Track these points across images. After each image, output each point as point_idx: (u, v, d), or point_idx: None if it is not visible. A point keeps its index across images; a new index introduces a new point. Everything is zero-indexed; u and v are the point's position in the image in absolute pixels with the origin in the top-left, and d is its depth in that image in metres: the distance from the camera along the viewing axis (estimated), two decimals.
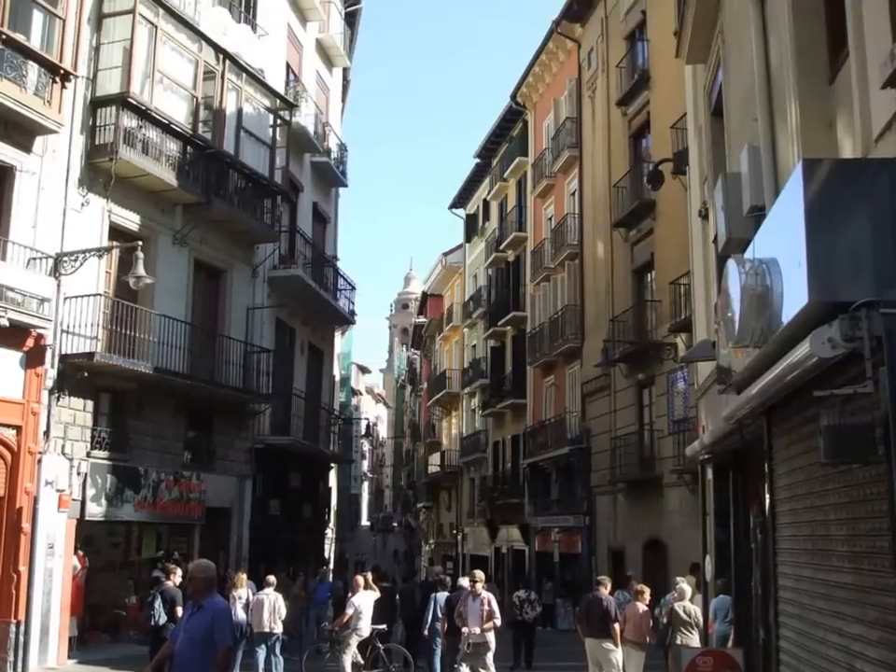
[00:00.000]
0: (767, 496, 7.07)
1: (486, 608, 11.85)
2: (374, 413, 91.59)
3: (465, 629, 11.83)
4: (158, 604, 12.11)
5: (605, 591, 12.14)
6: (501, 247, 34.57)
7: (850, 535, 5.04)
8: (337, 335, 29.90)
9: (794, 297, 4.83)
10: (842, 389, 4.46)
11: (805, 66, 6.13)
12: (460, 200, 43.00)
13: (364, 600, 13.25)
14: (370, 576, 14.78)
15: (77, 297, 14.81)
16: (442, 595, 13.56)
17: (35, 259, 14.24)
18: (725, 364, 7.57)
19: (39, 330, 14.07)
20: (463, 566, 36.68)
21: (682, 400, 18.76)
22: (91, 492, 15.14)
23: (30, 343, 14.00)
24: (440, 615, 13.18)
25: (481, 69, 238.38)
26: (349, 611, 13.06)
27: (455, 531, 41.23)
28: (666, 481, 19.69)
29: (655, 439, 20.75)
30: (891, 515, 4.22)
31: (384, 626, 13.98)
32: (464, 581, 13.38)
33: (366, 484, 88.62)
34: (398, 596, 16.62)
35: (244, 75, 19.05)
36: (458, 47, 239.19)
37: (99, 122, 15.75)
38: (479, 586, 12.11)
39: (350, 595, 13.86)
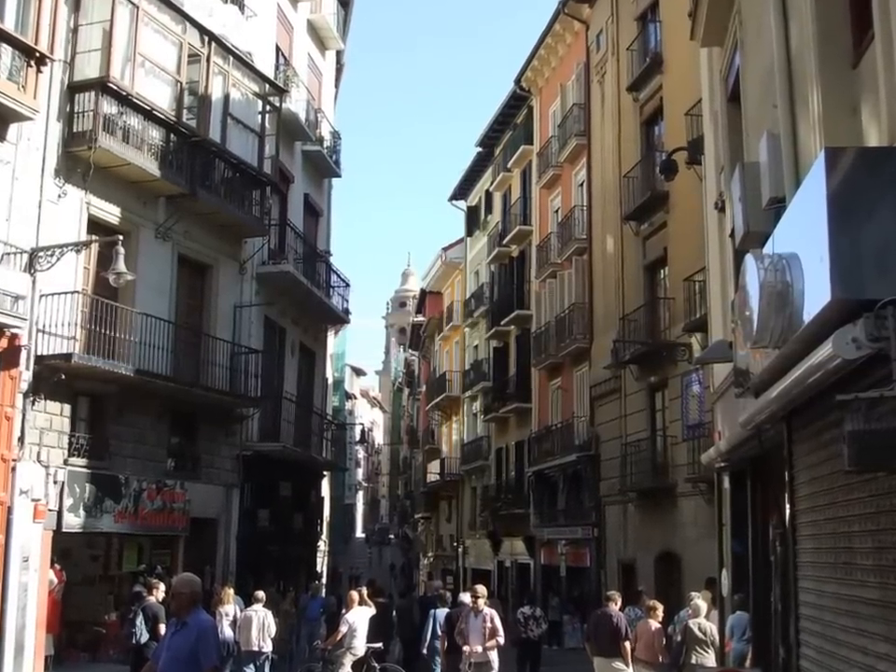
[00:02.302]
0: (787, 506, 7.08)
1: (489, 625, 11.88)
2: (370, 418, 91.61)
3: (466, 647, 11.84)
4: (139, 621, 12.12)
5: (615, 607, 12.16)
6: (504, 242, 34.57)
7: (876, 547, 5.04)
8: (330, 335, 29.90)
9: (816, 294, 4.83)
10: (867, 393, 4.46)
11: (827, 49, 6.13)
12: (461, 191, 43.01)
13: (359, 617, 13.26)
14: (365, 591, 14.82)
15: (53, 294, 14.80)
16: (442, 612, 13.58)
17: (8, 253, 14.22)
18: (743, 366, 7.57)
19: (13, 330, 14.05)
20: (464, 580, 36.71)
21: (697, 404, 18.75)
22: (68, 502, 15.12)
23: (3, 343, 13.98)
24: (439, 633, 13.20)
25: (483, 52, 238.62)
26: (343, 629, 13.08)
27: (455, 543, 41.26)
28: (680, 490, 19.70)
29: (669, 445, 20.75)
30: None
31: (380, 644, 14.00)
32: (465, 597, 13.41)
33: (361, 494, 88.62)
34: (395, 613, 16.64)
35: (230, 58, 19.04)
36: (459, 29, 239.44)
37: (77, 108, 15.73)
38: (481, 602, 12.13)
39: (344, 611, 13.89)
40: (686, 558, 19.30)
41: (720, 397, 11.06)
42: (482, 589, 12.54)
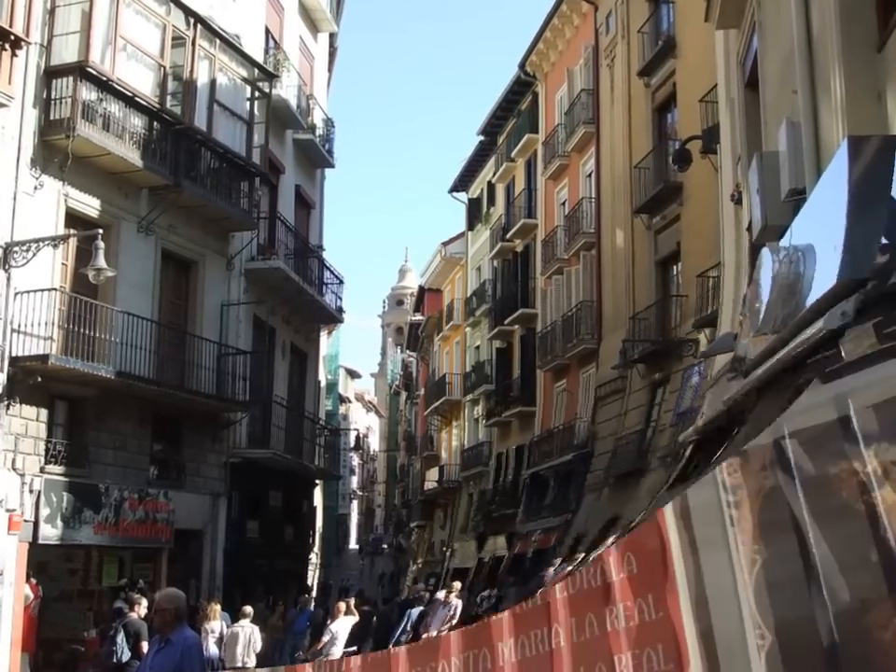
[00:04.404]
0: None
1: (451, 613, 13.28)
2: (365, 423, 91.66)
3: (424, 634, 12.83)
4: (120, 638, 12.15)
5: (551, 570, 13.50)
6: (508, 236, 34.59)
7: None
8: (323, 335, 29.93)
9: (824, 281, 4.85)
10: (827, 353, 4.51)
11: (850, 32, 6.13)
12: (462, 182, 43.04)
13: (342, 626, 13.84)
14: (353, 601, 15.33)
15: (29, 292, 14.82)
16: (416, 611, 14.75)
17: None
18: (742, 353, 7.61)
19: None
20: (444, 579, 36.85)
21: (692, 393, 18.82)
22: (45, 512, 15.13)
23: None
24: (408, 629, 14.12)
25: (485, 35, 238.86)
26: (325, 638, 13.73)
27: (444, 548, 41.39)
28: (651, 468, 19.82)
29: (656, 433, 20.84)
30: None
31: (354, 648, 14.35)
32: (440, 594, 14.86)
33: (355, 503, 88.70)
34: (374, 619, 17.16)
35: (217, 41, 19.06)
36: (460, 10, 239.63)
37: (54, 95, 15.76)
38: (452, 595, 13.80)
39: (329, 621, 14.29)
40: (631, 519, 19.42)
41: (714, 383, 11.08)
42: (456, 585, 14.50)
